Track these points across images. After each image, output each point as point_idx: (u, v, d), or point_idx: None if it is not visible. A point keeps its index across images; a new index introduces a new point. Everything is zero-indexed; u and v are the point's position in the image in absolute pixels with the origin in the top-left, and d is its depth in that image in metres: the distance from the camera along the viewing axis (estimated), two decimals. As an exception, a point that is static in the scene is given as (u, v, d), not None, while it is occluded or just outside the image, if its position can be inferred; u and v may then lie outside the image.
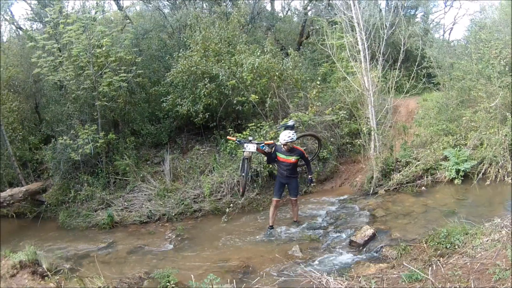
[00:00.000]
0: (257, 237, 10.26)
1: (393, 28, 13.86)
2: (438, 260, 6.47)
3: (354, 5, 13.28)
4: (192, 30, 16.23)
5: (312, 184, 11.64)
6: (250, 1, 23.40)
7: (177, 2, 21.61)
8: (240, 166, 10.62)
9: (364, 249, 8.67)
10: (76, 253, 10.47)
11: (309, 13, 25.03)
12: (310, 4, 25.20)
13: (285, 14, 27.72)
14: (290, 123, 10.66)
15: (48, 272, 7.47)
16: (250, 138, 10.69)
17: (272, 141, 10.61)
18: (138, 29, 18.85)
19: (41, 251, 8.54)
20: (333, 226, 10.43)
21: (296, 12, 27.87)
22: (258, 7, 23.11)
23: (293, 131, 10.02)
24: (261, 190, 12.97)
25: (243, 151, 10.22)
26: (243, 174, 10.29)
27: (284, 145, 9.76)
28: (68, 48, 14.60)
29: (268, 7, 26.22)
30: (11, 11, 20.06)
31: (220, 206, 12.54)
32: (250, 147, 9.90)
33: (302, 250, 8.95)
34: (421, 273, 5.89)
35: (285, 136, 9.62)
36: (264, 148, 10.03)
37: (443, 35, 31.45)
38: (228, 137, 11.84)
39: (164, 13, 21.28)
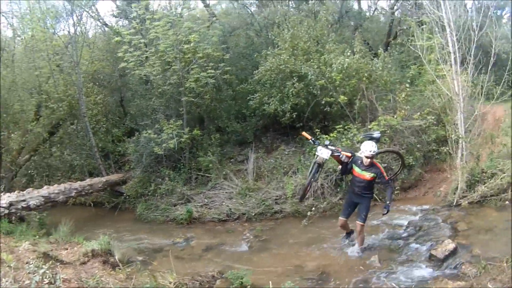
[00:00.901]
0: (336, 243, 10.08)
1: (483, 29, 13.49)
2: (518, 282, 6.24)
3: (444, 4, 13.02)
4: (280, 28, 16.30)
5: (386, 213, 9.36)
6: (337, 0, 23.40)
7: (264, 1, 21.77)
8: (310, 169, 9.84)
9: (444, 264, 8.44)
10: (151, 246, 10.79)
11: (396, 12, 24.68)
12: (396, 4, 24.81)
13: (372, 13, 27.44)
14: (376, 135, 9.70)
15: (120, 263, 7.74)
16: (327, 142, 9.57)
17: (350, 154, 9.39)
18: (225, 26, 19.15)
19: (114, 242, 8.87)
20: (414, 237, 10.18)
21: (383, 12, 27.37)
22: (346, 5, 23.07)
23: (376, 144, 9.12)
24: (344, 195, 12.48)
25: (316, 155, 9.39)
26: (310, 177, 9.51)
27: (367, 157, 8.80)
28: (155, 44, 15.00)
29: (355, 6, 26.07)
30: (97, 8, 20.59)
31: (301, 209, 12.43)
32: (323, 153, 9.10)
33: (380, 260, 8.83)
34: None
35: (370, 147, 8.72)
36: (341, 156, 9.28)
37: None
38: (303, 132, 10.58)
39: (251, 11, 21.67)
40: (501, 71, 13.95)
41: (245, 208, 12.83)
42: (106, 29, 21.46)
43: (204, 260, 9.66)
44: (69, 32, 17.15)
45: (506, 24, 26.23)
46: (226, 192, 13.71)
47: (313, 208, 11.93)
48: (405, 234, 10.45)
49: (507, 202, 11.56)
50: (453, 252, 8.62)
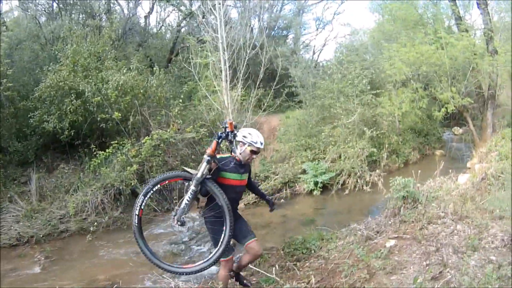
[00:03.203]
0: (123, 254, 10.57)
1: (256, 48, 14.60)
2: (294, 264, 7.31)
3: (220, 26, 13.99)
4: (64, 43, 16.32)
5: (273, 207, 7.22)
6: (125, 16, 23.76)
7: (54, 12, 21.52)
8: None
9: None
10: None
11: (182, 30, 25.75)
12: (183, 21, 25.83)
13: (158, 30, 28.23)
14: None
15: None
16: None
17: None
18: (12, 39, 18.64)
19: None
20: (194, 240, 11.07)
21: (170, 29, 28.36)
22: (131, 22, 23.44)
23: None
24: (125, 209, 13.16)
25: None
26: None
27: (254, 152, 6.26)
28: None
29: (143, 22, 26.74)
30: None
31: (85, 225, 12.60)
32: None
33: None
34: (273, 276, 6.80)
35: (261, 137, 6.30)
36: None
37: (312, 56, 33.90)
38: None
39: (39, 22, 21.17)
40: (278, 86, 15.27)
41: (33, 230, 12.59)
42: None
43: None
44: None
45: (288, 44, 29.31)
46: (13, 216, 13.33)
47: (95, 224, 12.31)
48: (186, 239, 11.27)
49: (282, 200, 13.18)
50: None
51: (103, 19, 20.53)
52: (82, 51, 15.40)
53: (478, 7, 17.66)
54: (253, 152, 6.19)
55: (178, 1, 25.77)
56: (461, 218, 7.16)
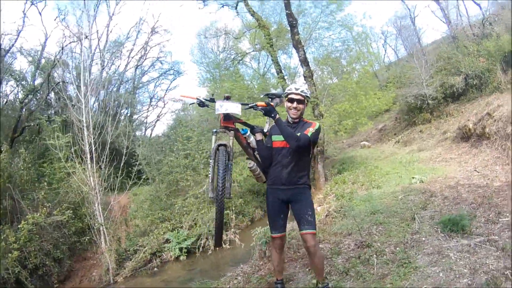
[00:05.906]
0: None
1: (104, 129, 16.24)
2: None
3: (85, 110, 15.24)
4: None
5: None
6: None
7: None
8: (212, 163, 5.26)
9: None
10: None
11: (24, 108, 25.06)
12: (26, 99, 25.26)
13: (3, 105, 26.30)
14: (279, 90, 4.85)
15: None
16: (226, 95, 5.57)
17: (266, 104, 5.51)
18: None
19: None
20: None
21: (11, 106, 26.73)
22: None
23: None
24: None
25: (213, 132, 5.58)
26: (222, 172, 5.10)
27: (290, 100, 5.43)
28: None
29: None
30: None
31: None
32: (229, 108, 5.24)
33: None
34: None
35: (295, 84, 5.65)
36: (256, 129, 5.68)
37: (144, 131, 37.68)
38: (181, 95, 5.22)
39: None
40: (124, 165, 16.89)
41: None
42: None
43: None
44: None
45: (124, 121, 30.39)
46: None
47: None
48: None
49: (155, 269, 14.53)
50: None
51: None
52: None
53: (304, 79, 20.68)
54: (290, 100, 5.37)
55: (21, 76, 25.77)
56: (320, 241, 8.97)
